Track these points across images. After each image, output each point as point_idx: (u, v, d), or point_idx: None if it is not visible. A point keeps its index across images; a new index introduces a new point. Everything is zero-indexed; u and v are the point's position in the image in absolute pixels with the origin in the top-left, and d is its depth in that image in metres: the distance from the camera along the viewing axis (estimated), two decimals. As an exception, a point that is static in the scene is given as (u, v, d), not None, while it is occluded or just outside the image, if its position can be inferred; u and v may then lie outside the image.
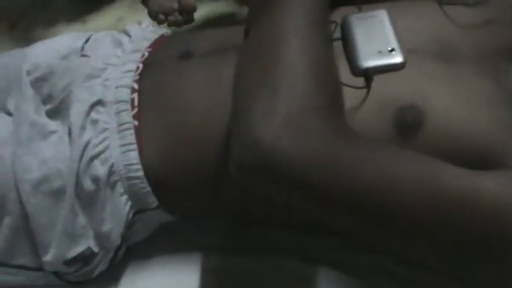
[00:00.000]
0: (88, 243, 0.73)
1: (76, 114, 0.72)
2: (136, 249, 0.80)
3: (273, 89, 0.55)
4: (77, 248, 0.72)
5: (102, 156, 0.71)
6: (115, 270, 0.79)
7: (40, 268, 0.74)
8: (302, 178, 0.51)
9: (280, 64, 0.56)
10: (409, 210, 0.49)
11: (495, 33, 0.67)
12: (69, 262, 0.73)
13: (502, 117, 0.59)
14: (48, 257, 0.72)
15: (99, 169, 0.70)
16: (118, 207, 0.71)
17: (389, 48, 0.65)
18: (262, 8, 0.63)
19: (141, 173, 0.71)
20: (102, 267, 0.76)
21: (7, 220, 0.72)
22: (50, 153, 0.71)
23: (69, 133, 0.72)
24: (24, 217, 0.71)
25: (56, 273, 0.76)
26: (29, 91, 0.77)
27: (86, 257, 0.74)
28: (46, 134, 0.73)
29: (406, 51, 0.64)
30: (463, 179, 0.50)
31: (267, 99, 0.54)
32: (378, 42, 0.65)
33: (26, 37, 1.23)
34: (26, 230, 0.72)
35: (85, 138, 0.71)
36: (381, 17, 0.68)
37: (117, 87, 0.75)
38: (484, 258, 0.49)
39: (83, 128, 0.72)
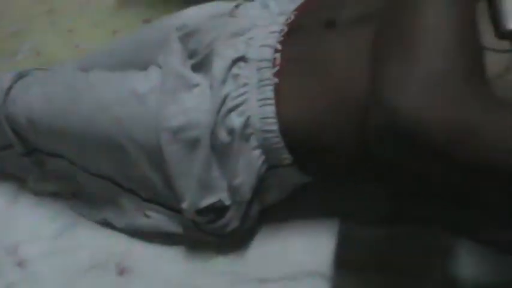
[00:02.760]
0: (220, 195, 0.74)
1: (218, 68, 0.74)
2: (271, 212, 0.80)
3: (409, 54, 0.54)
4: (210, 198, 0.74)
5: (240, 108, 0.71)
6: (248, 231, 0.79)
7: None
8: (435, 142, 0.50)
9: (418, 27, 0.55)
10: None
11: None
12: (202, 212, 0.75)
13: None
14: (184, 204, 0.74)
15: (235, 121, 0.71)
16: (251, 160, 0.71)
17: None
18: None
19: (275, 127, 0.70)
20: (234, 223, 0.77)
21: (147, 165, 0.76)
22: (192, 104, 0.73)
23: (211, 86, 0.74)
24: (163, 163, 0.74)
25: (193, 222, 0.78)
26: (177, 45, 0.81)
27: (218, 210, 0.75)
28: (190, 86, 0.76)
29: None
30: None
31: (402, 65, 0.53)
32: None
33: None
34: (166, 177, 0.75)
35: (225, 91, 0.72)
36: None
37: (261, 46, 0.75)
38: None
39: (223, 82, 0.73)
